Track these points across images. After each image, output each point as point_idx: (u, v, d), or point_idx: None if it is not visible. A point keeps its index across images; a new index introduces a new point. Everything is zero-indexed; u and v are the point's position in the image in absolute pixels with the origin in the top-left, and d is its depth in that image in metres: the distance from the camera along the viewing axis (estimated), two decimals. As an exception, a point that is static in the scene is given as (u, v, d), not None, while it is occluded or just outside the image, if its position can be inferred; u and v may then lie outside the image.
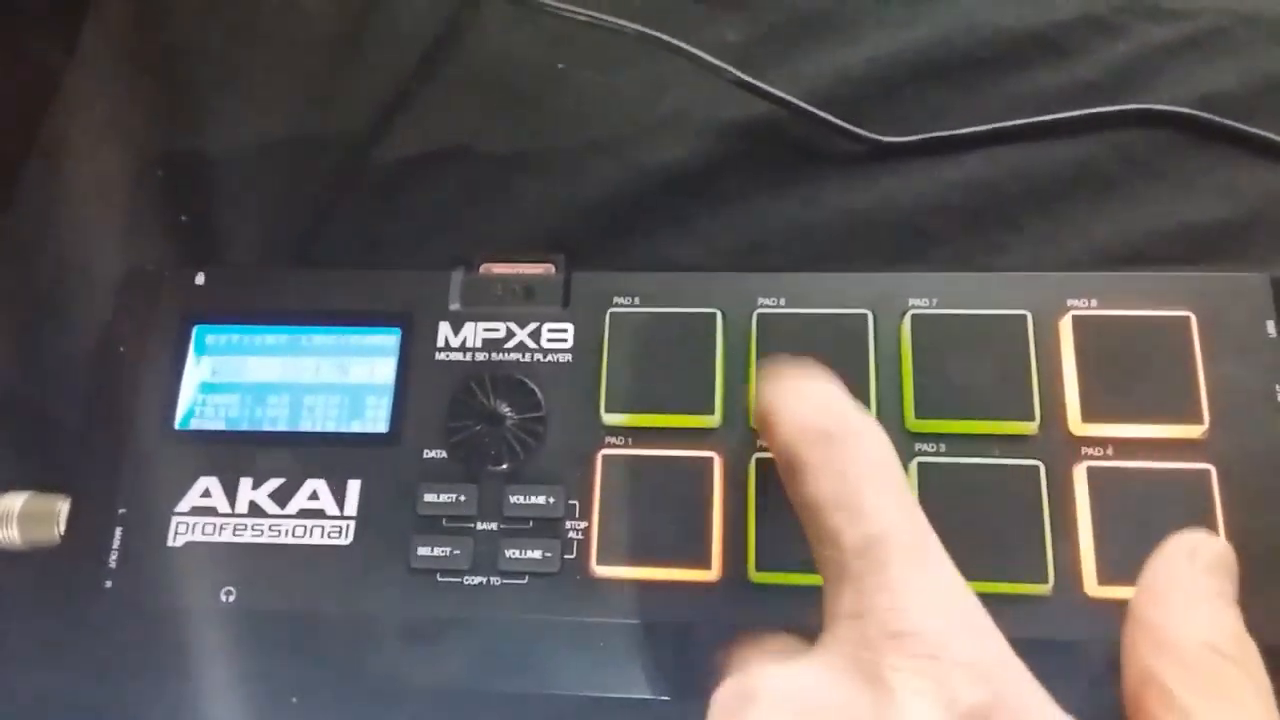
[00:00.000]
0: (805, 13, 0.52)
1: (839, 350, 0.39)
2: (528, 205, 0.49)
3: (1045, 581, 0.36)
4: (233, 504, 0.39)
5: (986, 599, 0.36)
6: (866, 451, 0.29)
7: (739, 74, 0.47)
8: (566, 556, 0.38)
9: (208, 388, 0.41)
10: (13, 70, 0.56)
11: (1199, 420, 0.37)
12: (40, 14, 0.57)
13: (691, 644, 0.37)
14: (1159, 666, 0.27)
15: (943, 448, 0.38)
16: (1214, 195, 0.46)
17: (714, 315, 0.40)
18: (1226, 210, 0.46)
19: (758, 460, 0.38)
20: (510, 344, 0.41)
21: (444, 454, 0.40)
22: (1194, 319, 0.38)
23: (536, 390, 0.40)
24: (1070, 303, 0.39)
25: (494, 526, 0.38)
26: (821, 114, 0.47)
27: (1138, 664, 0.27)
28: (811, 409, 0.30)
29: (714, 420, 0.39)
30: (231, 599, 0.38)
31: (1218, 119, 0.47)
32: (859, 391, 0.38)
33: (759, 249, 0.47)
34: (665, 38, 0.47)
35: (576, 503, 0.39)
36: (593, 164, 0.50)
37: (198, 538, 0.39)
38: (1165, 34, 0.50)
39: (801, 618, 0.37)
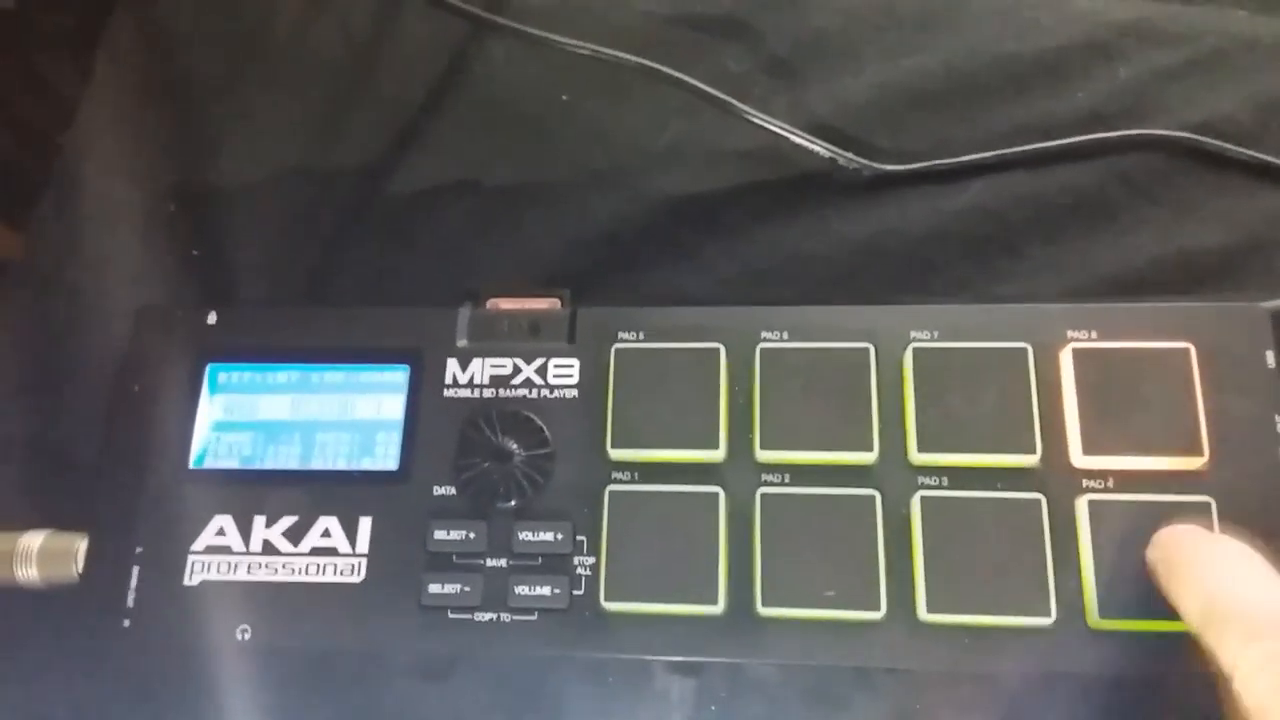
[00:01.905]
0: (807, 41, 0.53)
1: (841, 384, 0.39)
2: (534, 237, 0.50)
3: (1048, 614, 0.36)
4: (247, 542, 0.40)
5: (989, 632, 0.37)
6: None
7: (740, 106, 0.47)
8: (575, 593, 0.39)
9: (221, 426, 0.42)
10: (29, 96, 0.57)
11: (1199, 452, 0.37)
12: (55, 40, 0.58)
13: (699, 678, 0.38)
14: None
15: (945, 481, 0.39)
16: (1215, 221, 0.47)
17: (717, 350, 0.40)
18: (1228, 236, 0.46)
19: (763, 495, 0.38)
20: (517, 380, 0.42)
21: (453, 490, 0.40)
22: (1193, 350, 0.39)
23: (544, 427, 0.41)
24: (1070, 334, 0.40)
25: (503, 563, 0.39)
26: (821, 144, 0.47)
27: None
28: None
29: (719, 455, 0.39)
30: (247, 637, 0.39)
31: (1218, 144, 0.48)
32: (861, 425, 0.39)
33: (763, 278, 0.48)
34: (667, 70, 0.48)
35: (585, 539, 0.39)
36: (597, 195, 0.50)
37: (213, 576, 0.40)
38: (1166, 58, 0.50)
39: (804, 652, 0.37)
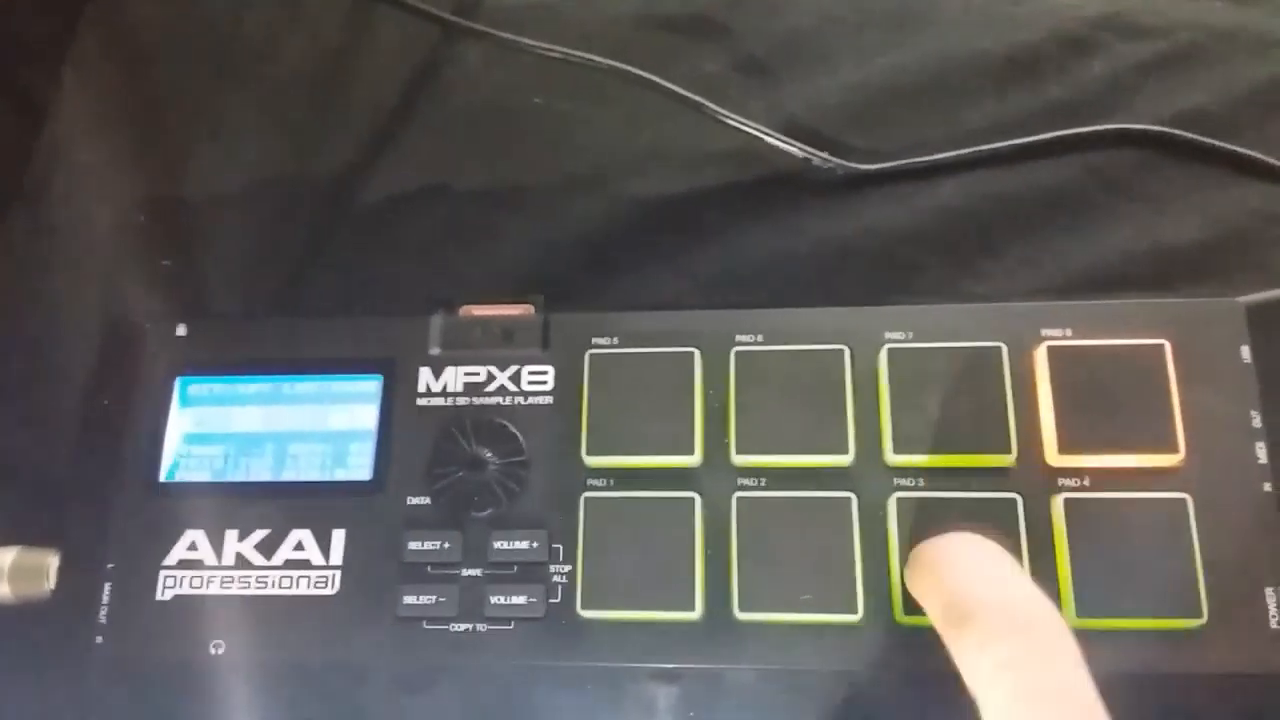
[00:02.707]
0: (782, 42, 0.52)
1: (816, 386, 0.39)
2: (509, 242, 0.49)
3: (1026, 614, 0.36)
4: (219, 556, 0.40)
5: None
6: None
7: (715, 107, 0.47)
8: (552, 601, 0.38)
9: (192, 439, 0.41)
10: (7, 106, 0.57)
11: (1175, 449, 0.37)
12: (35, 51, 0.57)
13: (678, 684, 0.38)
14: None
15: (921, 482, 0.38)
16: (1191, 215, 0.47)
17: (692, 354, 0.40)
18: (1204, 230, 0.46)
19: (739, 500, 0.38)
20: (491, 387, 0.41)
21: (428, 500, 0.40)
22: (1169, 346, 0.38)
23: (518, 434, 0.40)
24: (1045, 333, 0.40)
25: (479, 573, 0.39)
26: (796, 145, 0.47)
27: None
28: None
29: (694, 460, 0.39)
30: (221, 652, 0.39)
31: (1193, 137, 0.47)
32: (836, 427, 0.39)
33: (740, 280, 0.47)
34: (640, 72, 0.47)
35: (560, 546, 0.39)
36: (572, 199, 0.50)
37: (186, 591, 0.39)
38: (1141, 52, 0.50)
39: (783, 656, 0.37)
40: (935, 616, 0.32)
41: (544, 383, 0.41)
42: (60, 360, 0.47)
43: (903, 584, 0.36)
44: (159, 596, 0.40)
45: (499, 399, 0.41)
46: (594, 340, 0.41)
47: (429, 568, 0.39)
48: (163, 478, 0.41)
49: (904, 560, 0.37)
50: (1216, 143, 0.47)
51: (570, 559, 0.39)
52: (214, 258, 0.50)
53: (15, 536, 0.41)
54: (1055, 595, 0.37)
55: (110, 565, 0.40)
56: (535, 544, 0.39)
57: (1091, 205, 0.47)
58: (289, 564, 0.39)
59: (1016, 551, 0.37)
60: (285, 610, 0.39)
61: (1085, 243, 0.46)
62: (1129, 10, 0.51)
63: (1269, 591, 0.36)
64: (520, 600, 0.38)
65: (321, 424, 0.41)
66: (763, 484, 0.39)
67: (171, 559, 0.40)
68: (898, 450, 0.38)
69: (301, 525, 0.40)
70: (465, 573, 0.39)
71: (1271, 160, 0.47)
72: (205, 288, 0.49)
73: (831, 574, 0.37)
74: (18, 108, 0.56)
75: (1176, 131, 0.48)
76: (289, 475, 0.41)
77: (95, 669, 0.39)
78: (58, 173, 0.52)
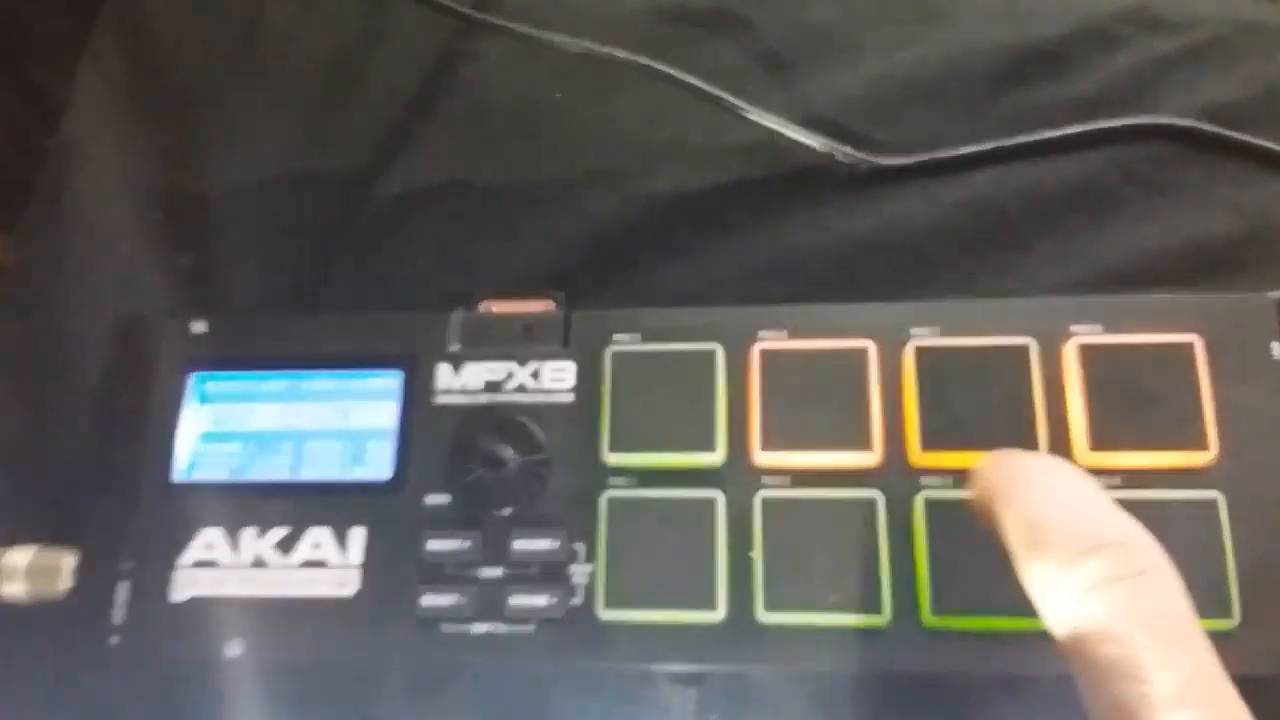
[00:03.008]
0: (804, 35, 0.52)
1: (841, 383, 0.39)
2: (528, 238, 0.49)
3: (1055, 615, 0.35)
4: (236, 555, 0.39)
5: (995, 636, 0.36)
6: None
7: (735, 101, 0.46)
8: (573, 602, 0.38)
9: (209, 437, 0.41)
10: (21, 103, 0.57)
11: (1206, 447, 0.37)
12: (48, 48, 0.57)
13: (700, 686, 0.37)
14: None
15: (949, 481, 0.38)
16: (1219, 209, 0.46)
17: (714, 351, 0.40)
18: (1232, 224, 0.46)
19: (763, 499, 0.38)
20: (511, 385, 0.41)
21: (447, 499, 0.39)
22: (1199, 343, 0.38)
23: (538, 432, 0.40)
24: (1074, 329, 0.39)
25: (499, 573, 0.38)
26: (819, 139, 0.47)
27: None
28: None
29: (717, 459, 0.39)
30: (237, 653, 0.38)
31: (1220, 130, 0.47)
32: (860, 426, 0.38)
33: (761, 276, 0.47)
34: (660, 66, 0.47)
35: (581, 546, 0.38)
36: (592, 195, 0.49)
37: (202, 591, 0.39)
38: (1166, 45, 0.50)
39: (809, 659, 0.37)
40: (1009, 538, 0.28)
41: (564, 380, 0.41)
42: (76, 358, 0.47)
43: (931, 585, 0.36)
44: (175, 596, 0.39)
45: (519, 396, 0.41)
46: (615, 337, 0.41)
47: (448, 567, 0.39)
48: (179, 476, 0.41)
49: (932, 561, 0.36)
50: (1244, 136, 0.47)
51: (591, 559, 0.38)
52: (231, 254, 0.49)
53: (32, 535, 0.41)
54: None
55: (126, 565, 0.40)
56: (556, 544, 0.38)
57: (1118, 200, 0.47)
58: (307, 563, 0.39)
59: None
60: (303, 610, 0.38)
61: (1112, 237, 0.46)
62: (1153, 3, 0.51)
63: (1303, 591, 0.36)
64: (541, 601, 0.38)
65: (340, 422, 0.41)
66: (787, 483, 0.38)
67: (188, 558, 0.40)
68: (925, 448, 0.38)
69: (319, 524, 0.39)
70: (485, 573, 0.38)
71: (1299, 154, 0.46)
72: (223, 284, 0.49)
73: (857, 575, 0.36)
74: (34, 105, 0.56)
75: (1204, 125, 0.47)
76: (307, 473, 0.40)
77: (111, 669, 0.39)
78: (74, 170, 0.52)
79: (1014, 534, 0.28)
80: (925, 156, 0.48)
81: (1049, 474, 0.29)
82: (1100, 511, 0.28)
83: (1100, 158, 0.47)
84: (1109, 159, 0.47)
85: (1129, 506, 0.36)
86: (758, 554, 0.37)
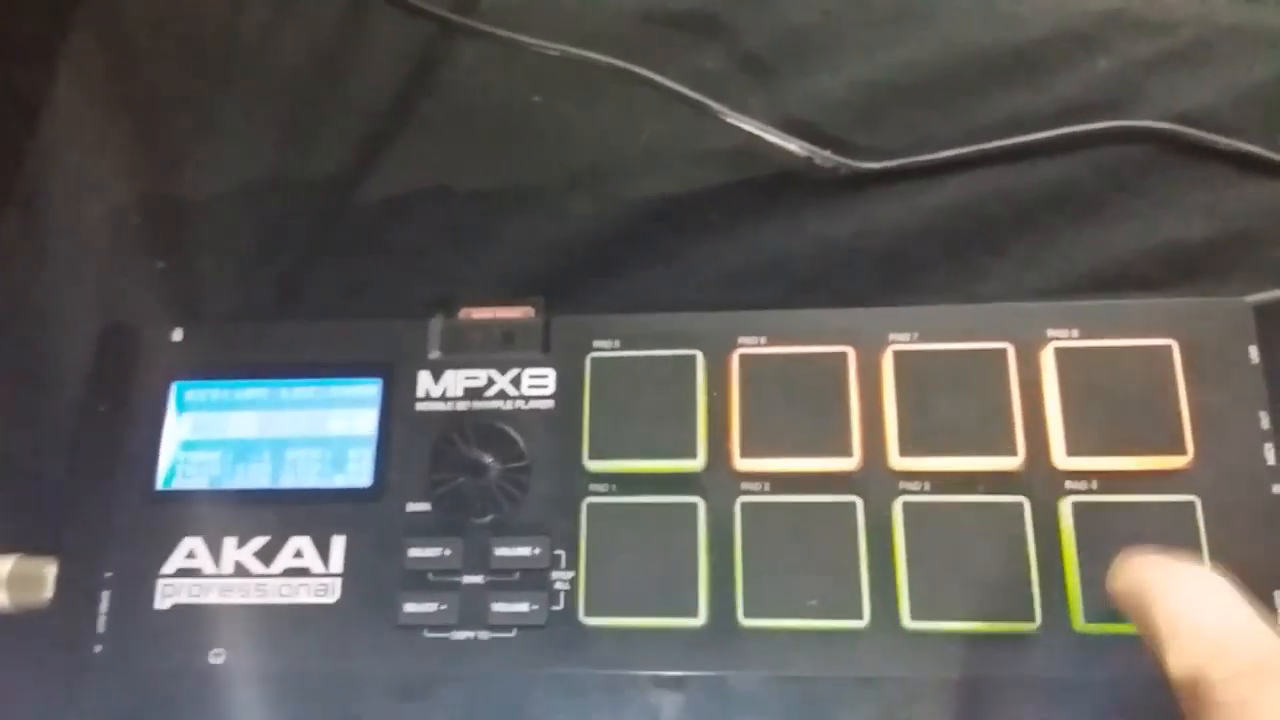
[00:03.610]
0: (784, 39, 0.52)
1: (820, 388, 0.39)
2: (509, 243, 0.49)
3: (1033, 619, 0.36)
4: (218, 564, 0.39)
5: (973, 639, 0.36)
6: None
7: (716, 105, 0.47)
8: (554, 608, 0.38)
9: (189, 445, 0.41)
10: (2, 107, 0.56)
11: (1183, 451, 0.37)
12: (28, 51, 0.56)
13: (682, 691, 0.37)
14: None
15: (927, 486, 0.38)
16: (1196, 212, 0.46)
17: (694, 357, 0.40)
18: (1209, 227, 0.46)
19: (743, 504, 0.38)
20: (491, 391, 0.41)
21: (428, 506, 0.39)
22: (1176, 347, 0.38)
23: (519, 439, 0.40)
24: (1051, 333, 0.39)
25: (480, 580, 0.38)
26: (798, 143, 0.47)
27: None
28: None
29: (697, 464, 0.39)
30: (220, 660, 0.38)
31: (1197, 134, 0.47)
32: (840, 431, 0.38)
33: (742, 280, 0.47)
34: (640, 70, 0.47)
35: (563, 553, 0.39)
36: (572, 199, 0.49)
37: (184, 599, 0.39)
38: (1146, 49, 0.50)
39: (790, 663, 0.37)
40: (1163, 659, 0.29)
41: (545, 386, 0.41)
42: (55, 366, 0.46)
43: (910, 589, 0.36)
44: (157, 605, 0.39)
45: (499, 403, 0.41)
46: (595, 343, 0.41)
47: (430, 575, 0.39)
48: (160, 485, 0.41)
49: (910, 565, 0.36)
50: (1223, 140, 0.47)
51: (573, 565, 0.38)
52: (210, 260, 0.49)
53: (13, 544, 0.41)
54: (1064, 599, 0.36)
55: (108, 574, 0.40)
56: (537, 550, 0.38)
57: (1097, 203, 0.47)
58: (288, 571, 0.39)
59: (1023, 555, 0.36)
60: (285, 618, 0.39)
61: (1091, 241, 0.46)
62: (1133, 7, 0.51)
63: (1278, 595, 0.36)
64: (522, 607, 0.38)
65: (320, 429, 0.41)
66: (766, 488, 0.39)
67: (170, 567, 0.40)
68: (903, 453, 0.38)
69: (301, 532, 0.39)
70: (466, 580, 0.38)
71: (1277, 157, 0.46)
72: (201, 291, 0.48)
73: (836, 579, 0.37)
74: (11, 108, 0.55)
75: (1183, 129, 0.47)
76: (287, 481, 0.40)
77: (94, 677, 0.39)
78: (52, 174, 0.52)
79: (1162, 651, 0.29)
80: (904, 160, 0.48)
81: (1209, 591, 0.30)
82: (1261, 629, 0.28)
83: (1079, 161, 0.48)
84: (1088, 162, 0.48)
85: (1105, 509, 0.36)
86: (738, 559, 0.37)
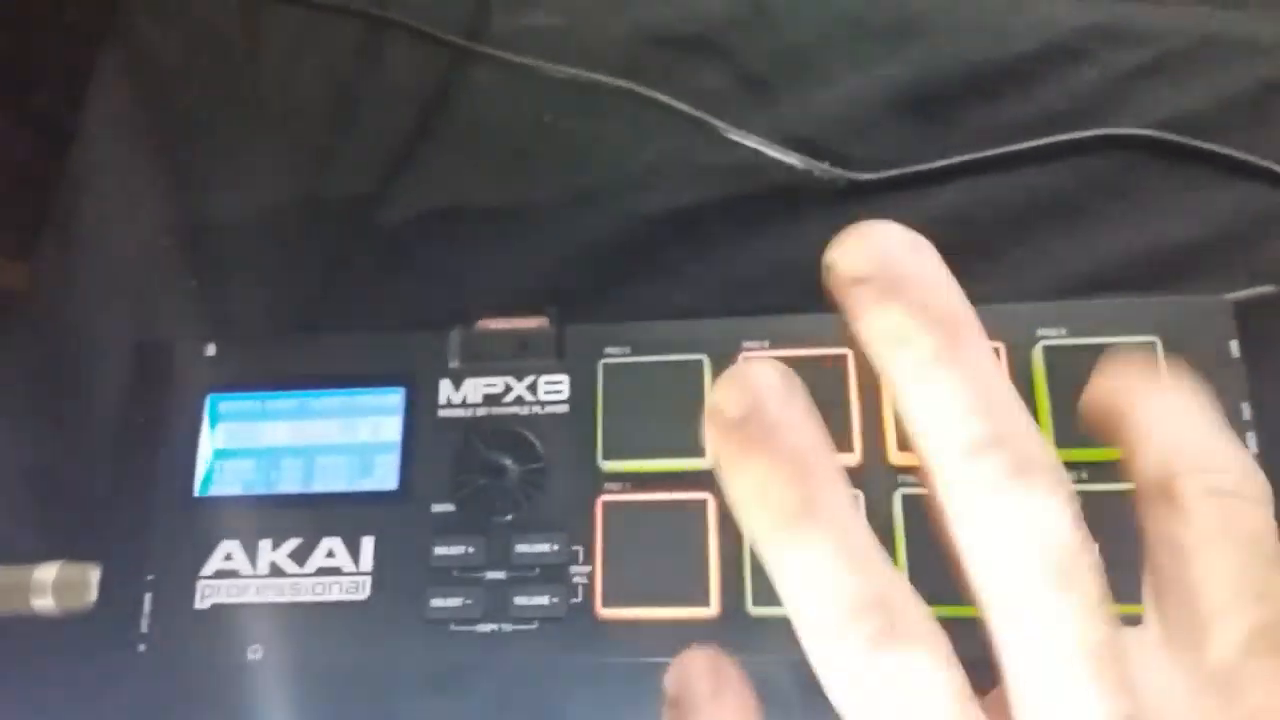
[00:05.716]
0: (782, 58, 0.54)
1: (821, 389, 0.40)
2: (523, 256, 0.51)
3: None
4: (254, 565, 0.41)
5: (970, 625, 0.38)
6: None
7: (717, 122, 0.49)
8: (573, 601, 0.40)
9: (224, 454, 0.43)
10: (30, 132, 0.58)
11: (1169, 442, 0.39)
12: (53, 72, 0.59)
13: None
14: None
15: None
16: (1182, 216, 0.48)
17: (700, 361, 0.42)
18: (1195, 230, 0.47)
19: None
20: (508, 398, 0.43)
21: (452, 507, 0.41)
22: (1160, 344, 0.40)
23: (536, 442, 0.42)
24: (1040, 332, 0.41)
25: (503, 575, 0.40)
26: (797, 156, 0.49)
27: None
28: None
29: (706, 462, 0.41)
30: (258, 656, 0.40)
31: (1181, 139, 0.49)
32: (841, 427, 0.40)
33: (745, 290, 0.49)
34: (645, 91, 0.49)
35: (580, 548, 0.40)
36: (581, 215, 0.51)
37: (223, 600, 0.41)
38: (1130, 58, 0.52)
39: (797, 648, 0.39)
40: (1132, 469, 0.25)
41: (560, 392, 0.43)
42: (94, 382, 0.49)
43: (909, 578, 0.38)
44: (198, 605, 0.41)
45: (517, 408, 0.43)
46: (606, 350, 0.43)
47: (455, 571, 0.41)
48: (197, 492, 0.43)
49: (909, 554, 0.38)
50: (1205, 145, 0.48)
51: (589, 560, 0.40)
52: (238, 280, 0.51)
53: (58, 552, 0.43)
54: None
55: (150, 577, 0.42)
56: (556, 546, 0.40)
57: (1085, 209, 0.48)
58: (321, 571, 0.41)
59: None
60: (318, 615, 0.41)
61: (1079, 245, 0.48)
62: (1118, 19, 0.53)
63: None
64: (543, 601, 0.40)
65: (347, 436, 0.43)
66: (772, 483, 0.40)
67: (209, 569, 0.42)
68: (901, 449, 0.40)
69: (332, 534, 0.41)
70: (489, 575, 0.40)
71: (1259, 161, 0.48)
72: (230, 309, 0.51)
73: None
74: (45, 136, 0.58)
75: (1165, 135, 0.49)
76: (318, 486, 0.42)
77: (139, 675, 0.41)
78: (85, 198, 0.54)
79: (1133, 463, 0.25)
80: (899, 171, 0.50)
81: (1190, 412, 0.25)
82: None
83: (1068, 168, 0.50)
84: (1076, 169, 0.49)
85: (1093, 499, 0.38)
86: (746, 551, 0.39)
